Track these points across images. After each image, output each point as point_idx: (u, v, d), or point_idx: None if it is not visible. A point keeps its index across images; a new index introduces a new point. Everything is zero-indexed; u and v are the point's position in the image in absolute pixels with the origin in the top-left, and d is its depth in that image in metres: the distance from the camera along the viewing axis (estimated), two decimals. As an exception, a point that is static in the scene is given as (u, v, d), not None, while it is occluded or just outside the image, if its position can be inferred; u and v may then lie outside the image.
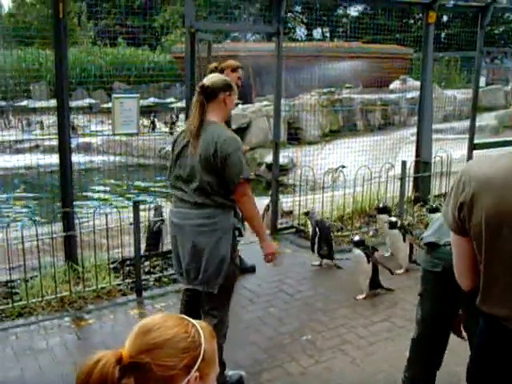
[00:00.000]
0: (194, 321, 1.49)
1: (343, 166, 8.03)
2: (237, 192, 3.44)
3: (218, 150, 3.34)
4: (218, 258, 3.47)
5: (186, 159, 3.48)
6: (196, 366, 1.40)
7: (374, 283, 5.34)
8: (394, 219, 6.06)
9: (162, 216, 6.11)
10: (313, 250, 6.08)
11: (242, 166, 3.39)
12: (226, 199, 3.47)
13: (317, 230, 6.04)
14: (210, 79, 3.57)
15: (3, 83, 7.28)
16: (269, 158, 11.46)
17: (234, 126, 15.23)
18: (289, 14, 29.70)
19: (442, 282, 3.09)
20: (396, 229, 5.96)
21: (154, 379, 1.37)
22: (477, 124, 8.69)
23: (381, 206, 6.48)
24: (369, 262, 5.23)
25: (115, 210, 5.84)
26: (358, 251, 5.31)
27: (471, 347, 2.93)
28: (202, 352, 1.43)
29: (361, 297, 5.32)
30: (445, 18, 23.89)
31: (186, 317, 1.52)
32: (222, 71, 5.15)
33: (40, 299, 5.02)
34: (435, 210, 6.18)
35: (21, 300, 5.02)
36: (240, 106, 16.17)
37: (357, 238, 5.45)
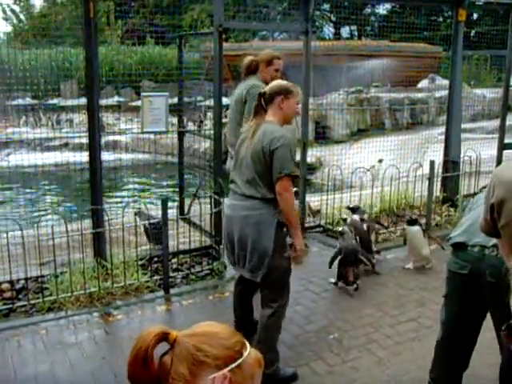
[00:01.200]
0: (246, 341, 1.53)
1: (380, 161, 8.01)
2: (278, 186, 3.60)
3: (268, 144, 3.57)
4: (260, 249, 3.66)
5: (241, 154, 3.79)
6: (229, 367, 1.43)
7: (340, 275, 5.48)
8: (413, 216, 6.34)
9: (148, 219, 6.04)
10: None
11: (286, 161, 3.57)
12: (271, 193, 3.65)
13: None
14: (270, 85, 3.86)
15: (35, 82, 7.39)
16: (296, 157, 11.40)
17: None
18: (317, 13, 29.62)
19: (469, 284, 3.06)
20: (416, 225, 6.01)
21: (186, 361, 1.42)
22: (507, 123, 8.57)
23: (351, 206, 6.47)
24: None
25: (143, 206, 5.91)
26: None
27: (502, 350, 2.91)
28: (240, 361, 1.46)
29: (332, 280, 5.59)
30: (475, 16, 23.59)
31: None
32: (257, 65, 5.28)
33: (69, 294, 5.10)
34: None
35: (51, 295, 5.10)
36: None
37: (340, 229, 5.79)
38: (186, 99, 6.71)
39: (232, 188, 3.87)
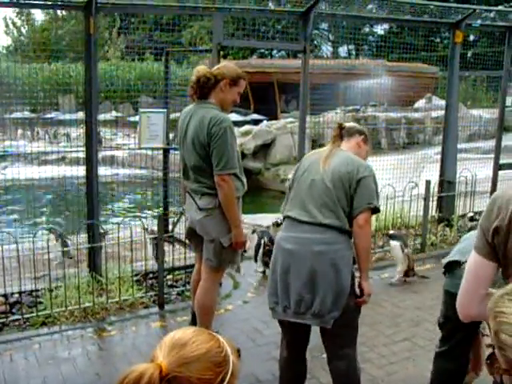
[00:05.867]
0: (218, 335, 1.54)
1: None
2: (361, 217, 3.21)
3: (355, 170, 3.24)
4: (337, 289, 3.20)
5: (311, 175, 3.34)
6: (227, 380, 1.45)
7: (265, 263, 6.23)
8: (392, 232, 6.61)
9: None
10: (255, 260, 6.50)
11: (374, 193, 3.28)
12: (349, 224, 3.26)
13: (261, 242, 6.46)
14: (351, 123, 3.75)
15: (33, 96, 7.41)
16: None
17: (258, 142, 15.24)
18: (315, 32, 29.85)
19: None
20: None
21: None
22: (503, 144, 8.63)
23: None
24: None
25: (139, 222, 5.92)
26: None
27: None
28: (231, 368, 1.47)
29: (259, 269, 6.46)
30: (471, 37, 23.81)
31: (213, 332, 1.56)
32: (217, 80, 4.02)
33: (64, 309, 5.09)
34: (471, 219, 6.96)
35: (45, 309, 5.10)
36: (265, 122, 16.27)
37: None
38: (173, 116, 6.66)
39: (294, 217, 3.32)
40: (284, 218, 3.46)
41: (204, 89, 4.03)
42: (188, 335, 1.48)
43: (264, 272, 6.51)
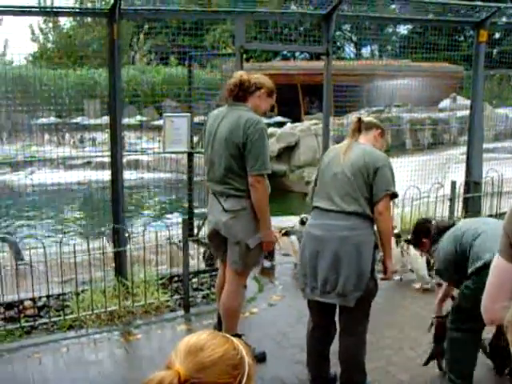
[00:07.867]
0: (233, 338, 1.54)
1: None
2: (381, 204, 3.57)
3: (372, 161, 3.58)
4: (359, 271, 3.53)
5: (332, 170, 3.68)
6: (243, 382, 1.45)
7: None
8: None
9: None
10: None
11: (390, 180, 3.61)
12: (370, 210, 3.59)
13: None
14: (369, 118, 4.10)
15: (59, 101, 7.52)
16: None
17: (282, 144, 15.24)
18: (338, 33, 29.77)
19: None
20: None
21: None
22: (530, 143, 8.53)
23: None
24: None
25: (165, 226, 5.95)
26: None
27: None
28: (247, 368, 1.47)
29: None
30: (497, 35, 23.52)
31: (227, 334, 1.57)
32: (257, 88, 4.14)
33: (90, 312, 5.14)
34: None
35: (72, 313, 5.16)
36: (288, 124, 16.27)
37: None
38: (197, 119, 6.65)
39: (321, 206, 3.69)
40: (313, 209, 3.81)
41: (245, 92, 4.12)
42: (203, 340, 1.49)
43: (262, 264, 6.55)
